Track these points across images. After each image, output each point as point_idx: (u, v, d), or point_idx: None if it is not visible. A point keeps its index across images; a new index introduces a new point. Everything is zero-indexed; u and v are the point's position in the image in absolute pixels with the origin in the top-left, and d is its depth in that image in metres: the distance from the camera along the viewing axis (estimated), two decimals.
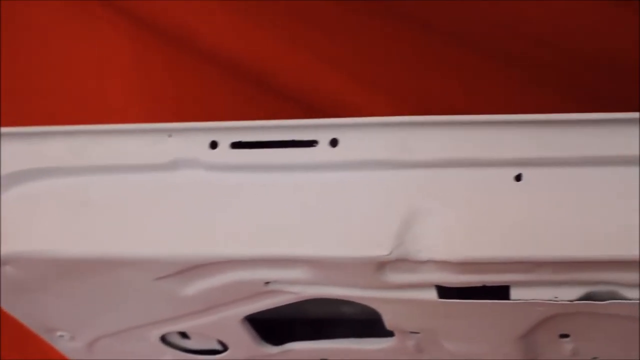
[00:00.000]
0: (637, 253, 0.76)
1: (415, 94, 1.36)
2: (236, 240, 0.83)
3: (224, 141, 0.85)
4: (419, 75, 1.38)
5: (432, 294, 0.86)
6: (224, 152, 0.85)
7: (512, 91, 1.32)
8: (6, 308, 0.99)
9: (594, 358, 1.00)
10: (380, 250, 0.80)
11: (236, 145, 0.85)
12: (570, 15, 1.31)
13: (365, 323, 1.01)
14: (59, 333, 1.04)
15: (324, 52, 1.40)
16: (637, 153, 0.77)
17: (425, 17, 1.35)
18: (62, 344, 1.07)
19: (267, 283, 0.89)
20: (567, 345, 0.97)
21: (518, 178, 0.80)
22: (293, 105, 1.38)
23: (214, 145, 0.86)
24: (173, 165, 0.87)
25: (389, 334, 0.99)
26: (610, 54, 1.29)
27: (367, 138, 0.83)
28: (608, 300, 0.83)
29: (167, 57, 1.45)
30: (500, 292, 0.85)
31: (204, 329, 1.00)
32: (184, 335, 1.06)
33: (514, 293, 0.85)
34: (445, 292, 0.85)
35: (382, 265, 0.83)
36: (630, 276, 0.80)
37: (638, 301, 0.82)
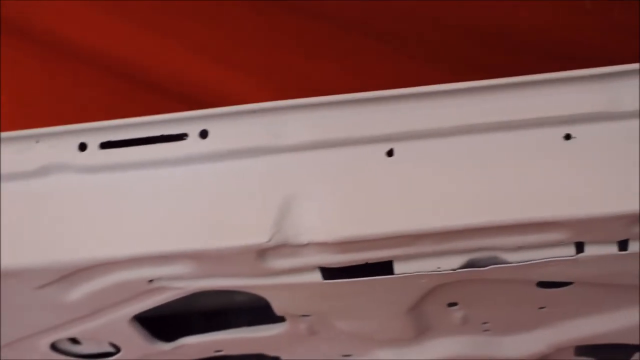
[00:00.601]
0: (515, 217, 0.77)
1: (301, 79, 1.36)
2: (113, 241, 0.82)
3: (93, 142, 0.84)
4: (304, 61, 1.37)
5: (317, 276, 0.86)
6: (93, 153, 0.84)
7: (400, 71, 1.33)
8: None
9: (485, 323, 1.01)
10: (259, 237, 0.80)
11: (105, 145, 0.84)
12: None
13: (258, 311, 1.00)
14: None
15: (200, 43, 1.39)
16: (491, 120, 0.79)
17: (309, 3, 1.35)
18: None
19: (150, 281, 0.88)
20: (457, 314, 0.98)
21: (390, 153, 0.81)
22: (173, 98, 1.36)
23: (82, 147, 0.84)
24: (43, 171, 0.85)
25: (281, 319, 0.99)
26: (498, 29, 1.31)
27: (236, 127, 0.82)
28: (489, 265, 0.84)
29: (38, 60, 1.42)
30: (384, 267, 0.85)
31: (94, 332, 0.99)
32: (75, 341, 1.04)
33: (398, 267, 0.85)
34: (329, 273, 0.86)
35: (263, 252, 0.82)
36: (509, 240, 0.82)
37: (518, 264, 0.84)
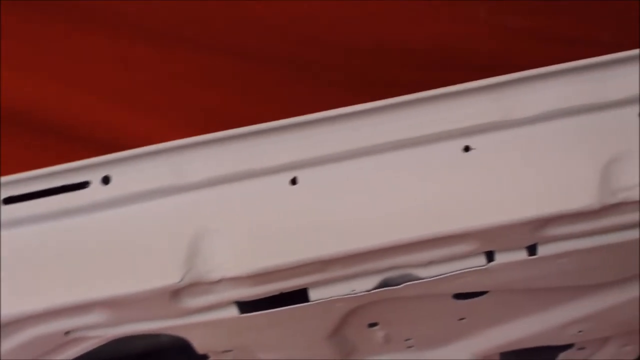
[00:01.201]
0: (421, 233, 0.78)
1: (205, 114, 1.35)
2: (21, 296, 0.81)
3: None
4: (206, 96, 1.37)
5: (234, 311, 0.86)
6: None
7: (304, 96, 1.33)
8: None
9: (407, 339, 1.02)
10: (171, 278, 0.80)
11: (9, 200, 0.83)
12: (337, 10, 1.33)
13: (187, 349, 0.99)
14: None
15: (101, 86, 1.37)
16: (391, 140, 0.80)
17: (204, 38, 1.35)
18: None
19: (67, 333, 0.87)
20: (378, 333, 0.98)
21: (294, 181, 0.81)
22: (78, 144, 1.34)
23: None
24: None
25: (205, 356, 0.98)
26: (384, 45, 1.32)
27: (138, 170, 0.81)
28: (403, 283, 0.85)
29: None
30: (299, 295, 0.85)
31: None
32: None
33: (313, 294, 0.85)
34: (245, 306, 0.85)
35: (176, 292, 0.82)
36: (420, 256, 0.83)
37: (431, 279, 0.84)
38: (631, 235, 0.83)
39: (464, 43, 1.30)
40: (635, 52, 0.80)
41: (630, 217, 0.81)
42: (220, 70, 1.33)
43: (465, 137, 0.80)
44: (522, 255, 0.83)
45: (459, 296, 0.92)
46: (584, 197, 0.77)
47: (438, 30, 1.31)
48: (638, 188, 0.78)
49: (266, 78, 1.33)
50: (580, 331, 1.02)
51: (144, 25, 1.32)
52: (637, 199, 0.78)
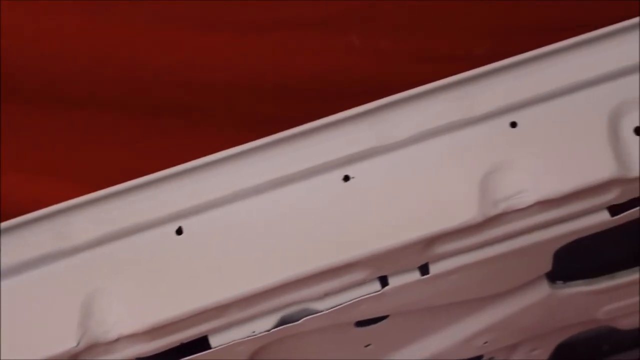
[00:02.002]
0: (309, 268, 0.79)
1: (93, 172, 1.33)
2: None
3: None
4: (93, 154, 1.36)
5: None
6: None
7: (181, 140, 1.33)
8: None
9: None
10: (67, 343, 0.78)
11: None
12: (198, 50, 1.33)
13: None
14: None
15: None
16: (273, 177, 0.80)
17: (70, 91, 1.33)
18: None
19: None
20: None
21: (179, 231, 0.81)
22: None
23: None
24: None
25: None
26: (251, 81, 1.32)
27: (23, 237, 0.80)
28: (302, 318, 0.85)
29: None
30: (201, 343, 0.85)
31: None
32: None
33: (213, 340, 0.85)
34: None
35: (75, 357, 0.80)
36: (315, 290, 0.83)
37: (329, 310, 0.85)
38: (518, 243, 0.85)
39: (341, 72, 1.31)
40: (501, 63, 0.82)
41: (515, 225, 0.82)
42: (99, 125, 1.31)
43: (343, 167, 0.81)
44: (415, 276, 0.84)
45: (361, 323, 0.92)
46: (465, 212, 0.78)
47: (314, 61, 1.33)
48: (517, 197, 0.79)
49: (148, 127, 1.32)
50: (485, 342, 1.03)
51: (16, 85, 1.30)
52: (518, 207, 0.79)
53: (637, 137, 0.80)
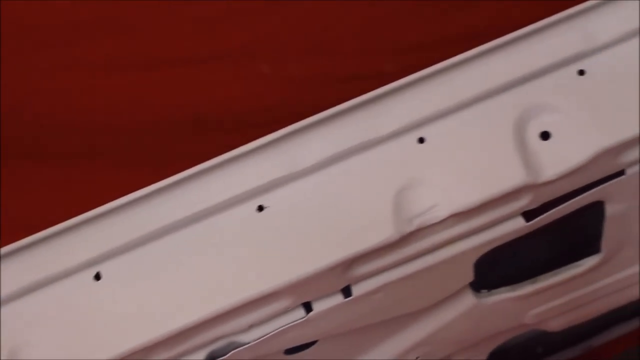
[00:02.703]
0: (227, 303, 0.79)
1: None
2: None
3: None
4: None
5: None
6: None
7: (94, 184, 1.31)
8: None
9: None
10: None
11: None
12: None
13: None
14: None
15: None
16: (186, 215, 0.80)
17: None
18: None
19: None
20: None
21: (97, 277, 0.80)
22: None
23: None
24: None
25: None
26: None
27: None
28: (230, 352, 0.84)
29: None
30: None
31: None
32: None
33: None
34: None
35: None
36: (239, 322, 0.83)
37: (256, 342, 0.84)
38: (438, 257, 0.85)
39: (252, 101, 1.31)
40: (406, 79, 0.83)
41: (432, 240, 0.83)
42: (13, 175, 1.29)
43: (257, 197, 0.81)
44: (339, 299, 0.84)
45: (291, 351, 0.92)
46: (381, 232, 0.78)
47: (224, 93, 1.33)
48: (431, 212, 0.80)
49: (60, 174, 1.30)
50: (417, 357, 1.03)
51: None
52: (432, 222, 0.80)
53: (544, 141, 0.81)
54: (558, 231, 0.92)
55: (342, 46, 1.34)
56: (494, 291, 0.97)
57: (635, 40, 0.83)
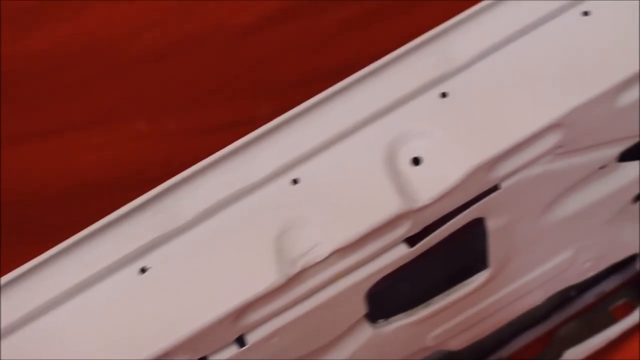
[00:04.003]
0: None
1: None
2: None
3: None
4: None
5: None
6: None
7: None
8: None
9: None
10: None
11: None
12: None
13: None
14: None
15: None
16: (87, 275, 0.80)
17: None
18: None
19: None
20: None
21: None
22: None
23: None
24: None
25: None
26: None
27: None
28: None
29: None
30: None
31: None
32: None
33: None
34: None
35: None
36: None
37: None
38: (328, 294, 0.86)
39: (132, 161, 1.31)
40: (276, 121, 0.83)
41: (320, 278, 0.83)
42: None
43: (138, 259, 0.80)
44: (234, 350, 0.84)
45: None
46: (266, 278, 0.78)
47: (102, 157, 1.31)
48: (313, 251, 0.80)
49: None
50: None
51: None
52: (316, 261, 0.80)
53: (416, 167, 0.82)
54: (445, 252, 0.93)
55: (217, 97, 1.34)
56: (390, 319, 0.98)
57: (492, 57, 0.85)
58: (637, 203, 1.07)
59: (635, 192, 1.02)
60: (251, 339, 0.84)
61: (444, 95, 0.83)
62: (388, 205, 0.80)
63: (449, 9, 0.87)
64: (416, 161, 0.82)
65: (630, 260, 1.24)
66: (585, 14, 0.84)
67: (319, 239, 0.79)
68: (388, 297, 0.95)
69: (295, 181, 0.81)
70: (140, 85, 1.34)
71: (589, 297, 1.40)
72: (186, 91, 1.34)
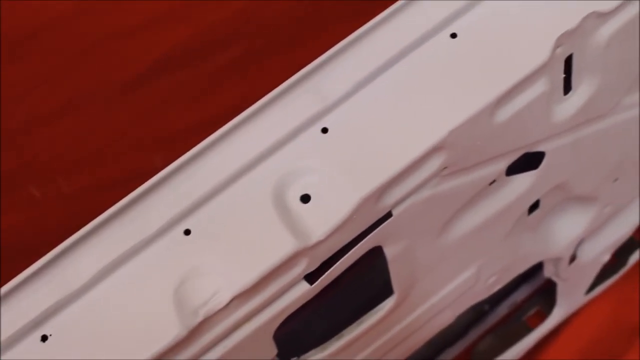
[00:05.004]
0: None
1: None
2: None
3: None
4: None
5: None
6: None
7: None
8: None
9: None
10: None
11: None
12: None
13: None
14: None
15: None
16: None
17: None
18: None
19: None
20: None
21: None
22: None
23: None
24: None
25: None
26: None
27: None
28: None
29: None
30: None
31: None
32: None
33: None
34: None
35: None
36: None
37: None
38: (235, 339, 0.86)
39: (27, 227, 1.29)
40: (161, 175, 0.83)
41: (224, 325, 0.83)
42: None
43: (38, 327, 0.80)
44: None
45: None
46: (168, 331, 0.78)
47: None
48: (214, 299, 0.80)
49: None
50: None
51: None
52: (217, 308, 0.80)
53: (305, 204, 0.83)
54: (349, 283, 0.94)
55: (105, 156, 1.33)
56: (303, 357, 0.98)
57: (368, 87, 0.86)
58: (532, 214, 1.09)
59: (528, 204, 1.04)
60: None
61: (325, 130, 0.84)
62: (282, 246, 0.80)
63: (331, 46, 0.88)
64: (305, 198, 0.82)
65: (537, 268, 1.26)
66: (453, 35, 0.86)
67: (218, 286, 0.79)
68: (297, 335, 0.95)
69: (187, 232, 0.81)
70: (30, 150, 1.32)
71: (503, 309, 1.42)
72: (76, 152, 1.32)
